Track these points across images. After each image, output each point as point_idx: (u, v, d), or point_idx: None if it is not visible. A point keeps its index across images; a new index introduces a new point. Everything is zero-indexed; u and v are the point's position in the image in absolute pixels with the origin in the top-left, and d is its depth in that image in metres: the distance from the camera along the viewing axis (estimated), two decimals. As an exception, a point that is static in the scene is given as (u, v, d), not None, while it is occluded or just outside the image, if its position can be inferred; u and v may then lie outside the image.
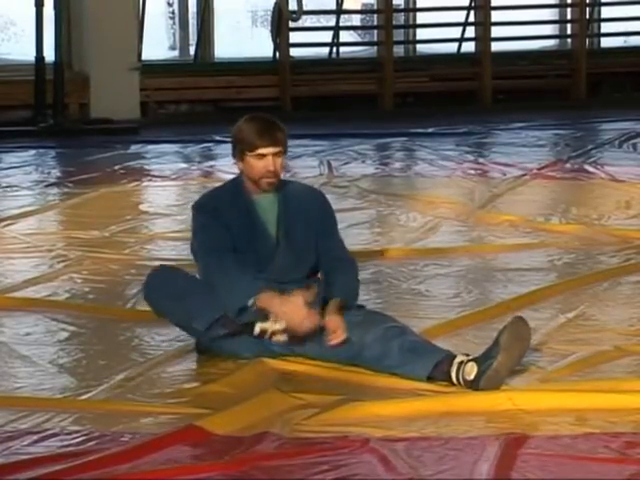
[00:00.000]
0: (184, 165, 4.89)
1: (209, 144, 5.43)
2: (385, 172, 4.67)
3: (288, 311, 2.11)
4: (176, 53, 6.61)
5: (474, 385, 2.08)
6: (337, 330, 2.16)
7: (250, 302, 2.14)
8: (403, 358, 2.12)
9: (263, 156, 2.23)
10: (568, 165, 4.66)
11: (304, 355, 2.23)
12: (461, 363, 2.08)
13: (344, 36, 6.77)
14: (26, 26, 5.97)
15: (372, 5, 6.86)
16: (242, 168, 2.28)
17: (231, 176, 4.00)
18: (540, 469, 1.79)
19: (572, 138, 5.48)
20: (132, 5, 6.09)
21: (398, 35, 6.75)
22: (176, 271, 2.29)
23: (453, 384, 2.10)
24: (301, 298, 2.12)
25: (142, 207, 4.05)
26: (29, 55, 5.74)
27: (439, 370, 2.11)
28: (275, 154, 2.24)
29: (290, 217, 2.25)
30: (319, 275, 2.27)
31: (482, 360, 2.07)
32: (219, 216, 2.23)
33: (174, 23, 6.57)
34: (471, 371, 2.07)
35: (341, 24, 6.66)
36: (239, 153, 2.27)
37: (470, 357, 2.09)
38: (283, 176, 2.33)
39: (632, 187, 4.14)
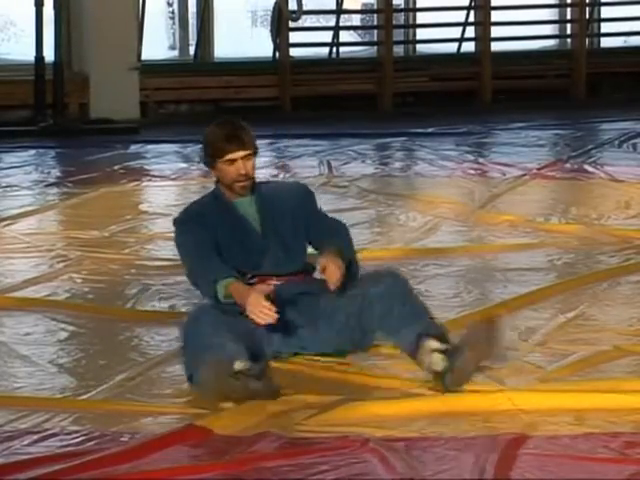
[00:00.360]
0: (184, 165, 4.88)
1: (209, 144, 5.48)
2: (385, 172, 4.68)
3: (248, 302, 2.12)
4: (176, 53, 6.61)
5: (440, 380, 2.10)
6: (331, 266, 2.16)
7: (220, 293, 2.15)
8: (398, 324, 2.14)
9: (233, 161, 2.25)
10: (568, 165, 4.66)
11: (308, 352, 2.23)
12: (432, 351, 2.09)
13: (344, 36, 6.77)
14: (26, 26, 5.96)
15: (372, 5, 6.86)
16: (216, 175, 2.30)
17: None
18: (540, 469, 1.79)
19: (572, 138, 5.48)
20: (132, 5, 6.09)
21: (398, 35, 6.75)
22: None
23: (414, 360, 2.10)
24: (259, 291, 2.13)
25: (142, 207, 4.05)
26: (29, 55, 5.74)
27: (415, 342, 2.12)
28: (244, 157, 2.25)
29: (271, 211, 2.27)
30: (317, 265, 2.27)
31: (450, 355, 2.08)
32: (201, 222, 2.27)
33: (174, 23, 6.57)
34: (438, 363, 2.09)
35: (341, 24, 6.66)
36: (210, 161, 2.29)
37: (441, 348, 2.09)
38: (270, 176, 2.41)
39: (632, 187, 4.14)
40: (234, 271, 2.19)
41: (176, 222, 2.34)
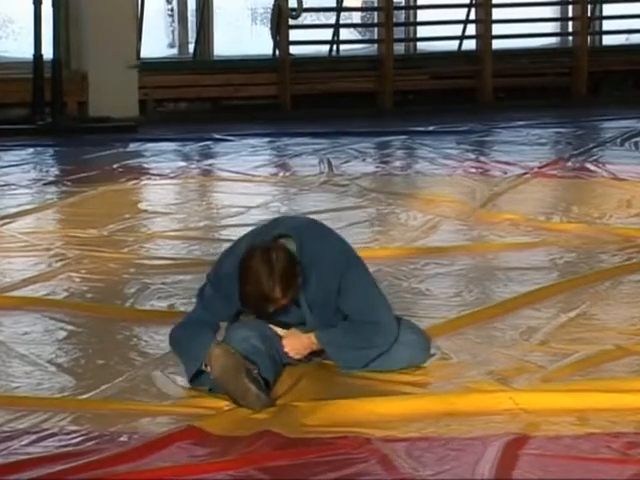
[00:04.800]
0: (183, 163, 4.86)
1: (208, 142, 5.41)
2: (385, 170, 4.66)
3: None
4: (175, 51, 6.58)
5: None
6: (288, 339, 2.13)
7: (203, 366, 2.09)
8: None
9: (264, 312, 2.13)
10: (569, 163, 4.64)
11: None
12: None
13: (344, 34, 6.74)
14: (24, 24, 5.93)
15: (372, 2, 6.84)
16: None
17: (229, 175, 3.91)
18: (541, 470, 1.78)
19: (573, 136, 5.45)
20: (131, 2, 6.07)
21: (398, 33, 6.72)
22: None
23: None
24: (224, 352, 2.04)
25: (141, 206, 4.04)
26: (27, 53, 5.72)
27: None
28: (275, 306, 2.11)
29: (310, 297, 2.15)
30: None
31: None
32: (230, 301, 2.13)
33: (173, 20, 6.54)
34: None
35: (341, 22, 6.64)
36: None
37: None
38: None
39: (634, 186, 4.12)
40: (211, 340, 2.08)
41: (208, 278, 2.19)
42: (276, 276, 2.09)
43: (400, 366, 2.19)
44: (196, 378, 2.13)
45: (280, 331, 2.17)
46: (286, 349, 2.16)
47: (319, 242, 2.20)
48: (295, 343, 2.16)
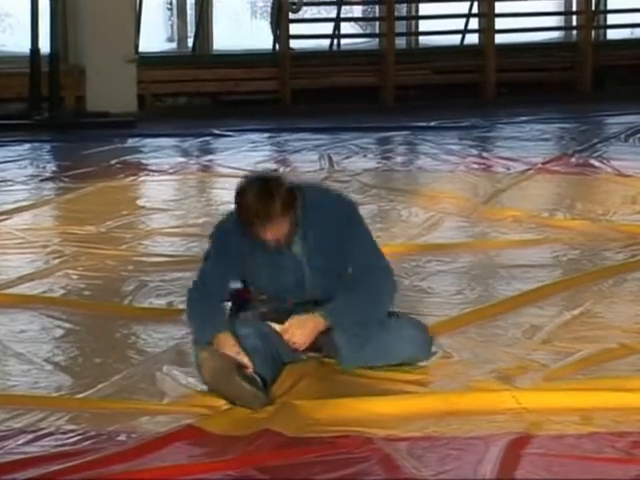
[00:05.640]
0: (182, 159, 4.84)
1: (207, 138, 5.39)
2: (387, 166, 4.63)
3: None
4: (174, 45, 6.54)
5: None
6: (292, 331, 2.11)
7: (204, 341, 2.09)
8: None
9: (261, 232, 2.12)
10: (573, 159, 4.61)
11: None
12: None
13: (345, 28, 6.71)
14: (21, 17, 5.88)
15: (373, -4, 6.83)
16: None
17: (229, 170, 3.85)
18: (544, 469, 1.76)
19: (577, 132, 5.42)
20: (129, -4, 6.06)
21: (400, 27, 6.68)
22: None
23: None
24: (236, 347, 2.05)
25: (139, 202, 4.00)
26: (24, 47, 5.67)
27: None
28: (273, 229, 2.11)
29: (310, 247, 2.15)
30: None
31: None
32: (232, 246, 2.15)
33: (172, 14, 6.51)
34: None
35: (342, 15, 6.60)
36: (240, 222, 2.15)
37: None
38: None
39: (638, 182, 4.09)
40: (226, 324, 2.11)
41: (211, 237, 2.21)
42: (276, 195, 2.08)
43: (401, 359, 2.15)
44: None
45: (279, 327, 2.14)
46: (293, 340, 2.11)
47: (322, 193, 2.24)
48: (299, 332, 2.12)
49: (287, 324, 2.13)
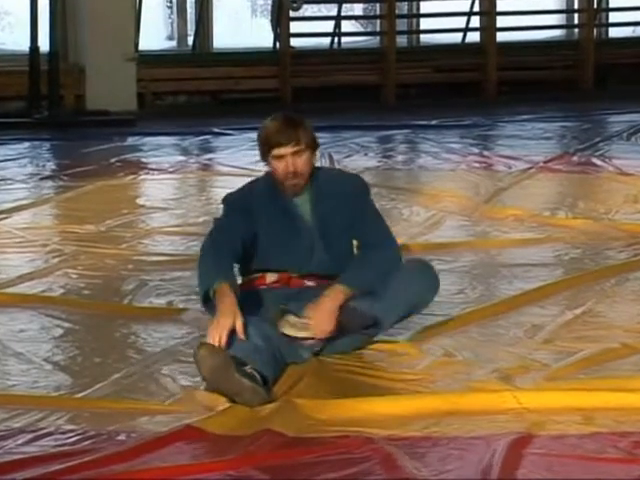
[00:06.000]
0: (182, 158, 4.83)
1: (207, 136, 5.38)
2: (388, 165, 4.62)
3: (217, 318, 2.06)
4: (174, 43, 6.55)
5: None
6: (317, 318, 2.12)
7: (211, 293, 2.08)
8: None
9: (281, 157, 2.17)
10: (575, 158, 4.60)
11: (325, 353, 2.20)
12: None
13: (346, 26, 6.71)
14: (21, 15, 5.88)
15: (374, -6, 6.82)
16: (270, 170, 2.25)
17: (229, 169, 3.83)
18: (546, 469, 1.75)
19: (579, 130, 5.41)
20: (129, -6, 6.06)
21: (401, 25, 6.69)
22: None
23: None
24: (231, 319, 2.05)
25: (139, 201, 4.00)
26: (23, 45, 5.67)
27: None
28: (294, 153, 2.17)
29: (324, 214, 2.19)
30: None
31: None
32: (246, 211, 2.19)
33: (172, 12, 6.52)
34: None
35: (343, 13, 6.61)
36: (263, 155, 2.22)
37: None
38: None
39: (640, 180, 4.12)
40: (235, 277, 2.13)
41: (224, 201, 2.26)
42: (302, 123, 2.18)
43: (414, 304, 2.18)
44: (207, 302, 2.11)
45: (299, 321, 2.09)
46: (321, 328, 2.10)
47: (336, 171, 2.42)
48: (321, 318, 2.10)
49: (307, 320, 2.11)
